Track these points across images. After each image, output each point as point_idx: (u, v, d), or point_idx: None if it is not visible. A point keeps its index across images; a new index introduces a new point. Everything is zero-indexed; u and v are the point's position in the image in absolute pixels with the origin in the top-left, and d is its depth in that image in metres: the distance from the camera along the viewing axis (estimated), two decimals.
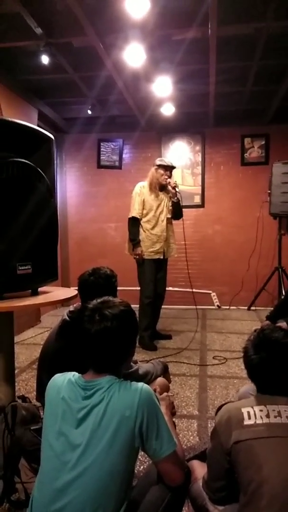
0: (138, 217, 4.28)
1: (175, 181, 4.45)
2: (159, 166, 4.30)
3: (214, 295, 6.23)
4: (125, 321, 1.38)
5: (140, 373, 2.12)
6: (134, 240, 4.27)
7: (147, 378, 2.14)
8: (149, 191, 4.30)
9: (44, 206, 1.96)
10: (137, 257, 4.28)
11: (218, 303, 6.21)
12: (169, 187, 4.33)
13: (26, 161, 1.83)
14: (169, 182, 4.33)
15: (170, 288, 5.70)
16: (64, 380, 1.37)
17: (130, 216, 4.31)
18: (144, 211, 4.29)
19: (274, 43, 3.84)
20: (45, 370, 2.08)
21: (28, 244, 1.87)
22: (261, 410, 1.32)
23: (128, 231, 4.36)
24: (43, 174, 1.93)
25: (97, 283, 2.05)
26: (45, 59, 3.79)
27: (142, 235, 4.28)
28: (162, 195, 4.35)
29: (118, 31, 3.41)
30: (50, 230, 2.04)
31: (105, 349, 1.34)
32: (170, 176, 4.37)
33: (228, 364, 3.74)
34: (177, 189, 4.33)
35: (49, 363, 2.07)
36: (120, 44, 3.55)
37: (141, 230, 4.30)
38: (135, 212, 4.28)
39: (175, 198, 4.36)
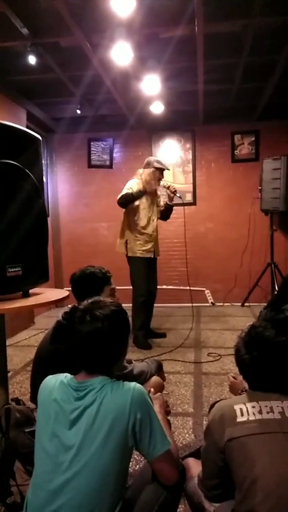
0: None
1: (174, 186, 4.46)
2: (157, 169, 4.29)
3: (208, 292, 6.25)
4: (117, 321, 1.38)
5: (135, 373, 2.12)
6: (137, 193, 4.14)
7: (142, 377, 2.14)
8: None
9: (32, 206, 1.94)
10: (145, 188, 4.18)
11: (212, 300, 6.22)
12: (168, 191, 4.37)
13: (13, 162, 1.82)
14: (169, 186, 4.38)
15: (164, 286, 5.71)
16: (56, 382, 1.37)
17: (122, 194, 4.17)
18: (138, 210, 4.28)
19: (261, 40, 3.85)
20: (39, 372, 2.06)
21: (18, 245, 1.86)
22: (253, 407, 1.32)
23: (125, 198, 4.14)
24: (31, 175, 1.92)
25: (82, 282, 2.10)
26: (32, 59, 3.77)
27: (135, 233, 4.27)
28: (153, 195, 4.37)
29: (104, 30, 3.38)
30: (39, 231, 2.02)
31: (96, 350, 1.34)
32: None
33: (223, 361, 3.75)
34: (177, 194, 4.37)
35: (44, 365, 2.06)
36: (107, 43, 3.53)
37: (132, 230, 4.28)
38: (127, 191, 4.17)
39: (172, 202, 4.41)
